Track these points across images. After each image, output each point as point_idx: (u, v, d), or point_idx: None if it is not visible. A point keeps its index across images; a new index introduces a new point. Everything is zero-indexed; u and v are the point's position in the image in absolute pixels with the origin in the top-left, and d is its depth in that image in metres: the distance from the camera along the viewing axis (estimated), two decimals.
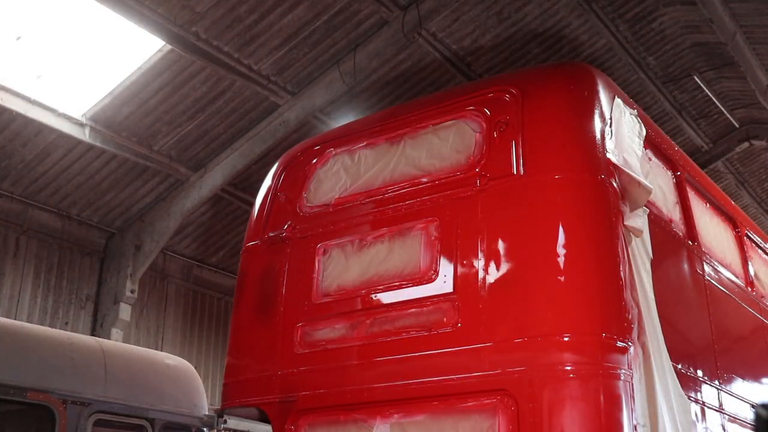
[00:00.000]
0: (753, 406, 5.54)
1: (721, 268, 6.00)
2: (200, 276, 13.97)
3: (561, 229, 4.45)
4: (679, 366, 4.80)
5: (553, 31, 12.75)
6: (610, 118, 4.82)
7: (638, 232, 4.63)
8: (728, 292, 6.01)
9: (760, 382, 6.30)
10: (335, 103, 11.89)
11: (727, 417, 5.38)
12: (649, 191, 4.73)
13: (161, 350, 12.07)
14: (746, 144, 17.16)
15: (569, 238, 4.42)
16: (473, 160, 4.86)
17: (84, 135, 10.98)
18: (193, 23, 10.18)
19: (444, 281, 4.66)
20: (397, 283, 4.86)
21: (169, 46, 10.31)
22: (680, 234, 5.55)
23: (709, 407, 5.16)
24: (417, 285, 4.77)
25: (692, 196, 5.97)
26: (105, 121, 11.04)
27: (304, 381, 5.02)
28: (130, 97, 10.86)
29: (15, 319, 10.51)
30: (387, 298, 4.88)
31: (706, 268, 5.70)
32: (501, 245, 4.53)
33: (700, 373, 5.18)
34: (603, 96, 4.89)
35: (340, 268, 5.18)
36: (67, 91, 10.56)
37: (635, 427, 4.16)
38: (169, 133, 11.63)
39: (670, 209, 5.53)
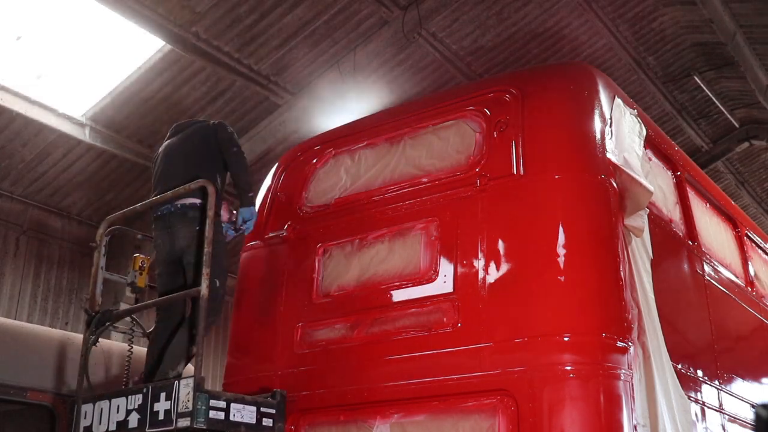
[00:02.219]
0: (753, 406, 5.54)
1: (721, 268, 6.00)
2: None
3: (561, 229, 4.44)
4: (679, 366, 4.80)
5: (553, 31, 12.76)
6: (610, 118, 4.82)
7: (639, 232, 4.63)
8: (728, 292, 6.01)
9: (760, 382, 6.30)
10: (335, 104, 11.89)
11: (727, 417, 5.38)
12: (650, 192, 4.72)
13: None
14: (746, 144, 17.18)
15: (569, 238, 4.42)
16: (473, 160, 4.86)
17: (84, 135, 10.98)
18: (193, 23, 10.19)
19: (444, 281, 4.65)
20: (397, 283, 4.86)
21: (169, 46, 10.32)
22: (680, 234, 5.55)
23: (709, 407, 5.16)
24: (417, 285, 4.77)
25: (692, 196, 5.96)
26: (105, 121, 11.05)
27: (304, 381, 5.01)
28: (130, 97, 10.87)
29: (15, 319, 10.51)
30: (387, 298, 4.88)
31: (706, 268, 5.70)
32: (501, 245, 4.53)
33: (700, 373, 5.18)
34: (603, 96, 4.89)
35: (340, 268, 5.18)
36: (67, 91, 10.56)
37: (635, 427, 4.16)
38: None
39: (670, 209, 5.53)
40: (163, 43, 10.27)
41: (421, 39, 11.68)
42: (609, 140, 4.72)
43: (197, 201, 5.21)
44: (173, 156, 5.55)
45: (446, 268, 4.67)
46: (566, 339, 4.25)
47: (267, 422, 4.65)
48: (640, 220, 4.64)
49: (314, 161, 5.70)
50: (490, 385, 4.31)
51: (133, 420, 4.63)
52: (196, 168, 5.31)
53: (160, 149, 5.77)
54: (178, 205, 5.24)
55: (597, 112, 4.79)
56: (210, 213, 4.82)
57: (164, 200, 5.24)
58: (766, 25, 13.16)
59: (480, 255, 4.55)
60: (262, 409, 4.64)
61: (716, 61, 14.70)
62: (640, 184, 4.68)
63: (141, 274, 5.60)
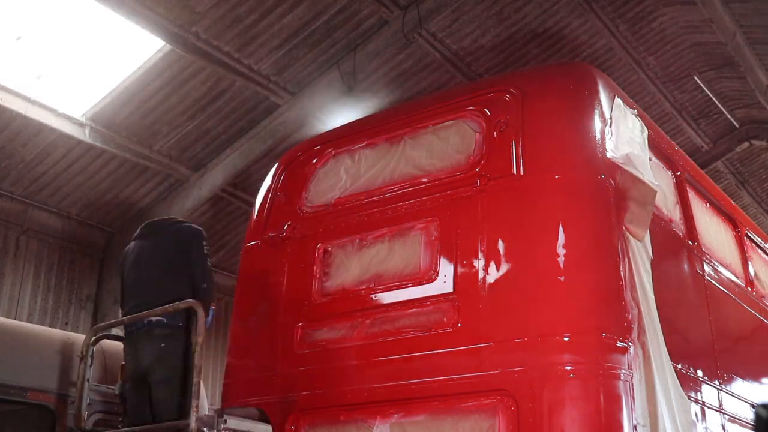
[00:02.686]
0: (753, 406, 5.54)
1: (721, 268, 6.00)
2: None
3: (561, 229, 4.44)
4: (679, 366, 4.80)
5: (553, 31, 12.76)
6: (611, 118, 4.82)
7: (639, 237, 4.62)
8: (728, 292, 6.01)
9: (760, 382, 6.30)
10: (335, 103, 11.89)
11: (727, 417, 5.38)
12: (654, 191, 4.72)
13: None
14: (746, 144, 17.17)
15: (569, 238, 4.42)
16: (473, 160, 4.86)
17: (84, 135, 10.98)
18: (193, 23, 10.18)
19: (444, 281, 4.65)
20: (397, 283, 4.86)
21: (169, 46, 10.31)
22: (680, 234, 5.55)
23: (709, 407, 5.16)
24: (417, 285, 4.77)
25: (692, 196, 5.96)
26: (105, 121, 11.04)
27: (304, 381, 5.01)
28: (130, 97, 10.86)
29: (15, 319, 10.51)
30: (387, 298, 4.88)
31: (706, 268, 5.69)
32: (501, 245, 4.53)
33: (700, 373, 5.18)
34: (603, 96, 4.89)
35: (340, 268, 5.18)
36: (67, 91, 10.55)
37: (635, 427, 4.16)
38: (169, 133, 11.63)
39: (670, 209, 5.52)
40: (163, 43, 10.26)
41: (421, 39, 11.68)
42: (609, 140, 4.72)
43: (163, 318, 5.32)
44: (145, 266, 5.58)
45: (446, 268, 4.67)
46: (566, 339, 4.25)
47: None
48: (643, 222, 4.63)
49: (314, 161, 5.70)
50: (490, 385, 4.31)
51: None
52: (169, 285, 5.40)
53: (130, 249, 5.77)
54: (144, 322, 5.32)
55: (597, 112, 4.79)
56: (199, 339, 4.88)
57: (139, 319, 5.33)
58: (766, 25, 13.15)
59: (480, 255, 4.55)
60: None
61: (716, 61, 14.69)
62: (644, 183, 4.68)
63: None
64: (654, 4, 13.07)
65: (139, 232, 5.88)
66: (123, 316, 5.54)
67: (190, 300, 5.10)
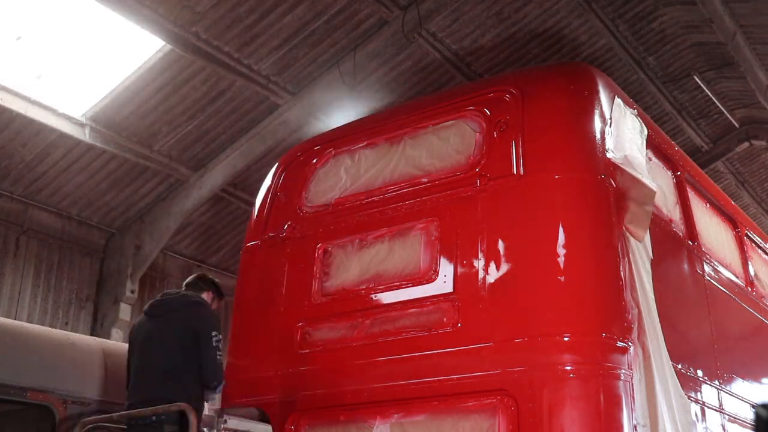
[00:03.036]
0: (753, 406, 5.54)
1: (721, 268, 6.00)
2: None
3: (561, 229, 4.44)
4: (679, 366, 4.80)
5: (553, 31, 12.76)
6: (610, 118, 4.82)
7: (639, 237, 4.62)
8: (728, 292, 6.01)
9: (760, 382, 6.30)
10: (335, 103, 11.90)
11: (727, 417, 5.38)
12: (654, 191, 4.72)
13: None
14: (746, 144, 17.17)
15: (569, 238, 4.42)
16: (473, 160, 4.86)
17: (84, 135, 10.98)
18: (193, 23, 10.19)
19: (444, 281, 4.65)
20: (397, 283, 4.86)
21: (169, 46, 10.32)
22: (680, 234, 5.55)
23: (709, 407, 5.16)
24: (417, 285, 4.77)
25: (692, 196, 5.96)
26: (105, 121, 11.05)
27: (304, 381, 5.01)
28: (130, 97, 10.87)
29: (15, 319, 10.51)
30: (387, 298, 4.88)
31: (706, 268, 5.69)
32: (501, 245, 4.53)
33: (700, 373, 5.18)
34: (603, 96, 4.89)
35: (340, 268, 5.18)
36: (67, 91, 10.56)
37: (635, 427, 4.16)
38: (169, 133, 11.64)
39: (670, 209, 5.53)
40: (163, 43, 10.27)
41: (421, 39, 11.68)
42: (609, 140, 4.72)
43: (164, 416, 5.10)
44: (151, 353, 5.34)
45: (446, 268, 4.67)
46: (566, 339, 4.26)
47: None
48: (643, 222, 4.63)
49: (314, 161, 5.70)
50: (490, 385, 4.31)
51: None
52: (174, 376, 5.18)
53: (136, 327, 5.58)
54: (153, 418, 5.12)
55: (597, 112, 4.79)
56: None
57: (142, 416, 5.15)
58: (766, 25, 13.15)
59: (480, 255, 4.55)
60: None
61: (716, 61, 14.69)
62: (643, 184, 4.68)
63: None
64: (654, 4, 13.07)
65: (146, 309, 5.64)
66: (127, 407, 5.32)
67: (182, 404, 4.95)
